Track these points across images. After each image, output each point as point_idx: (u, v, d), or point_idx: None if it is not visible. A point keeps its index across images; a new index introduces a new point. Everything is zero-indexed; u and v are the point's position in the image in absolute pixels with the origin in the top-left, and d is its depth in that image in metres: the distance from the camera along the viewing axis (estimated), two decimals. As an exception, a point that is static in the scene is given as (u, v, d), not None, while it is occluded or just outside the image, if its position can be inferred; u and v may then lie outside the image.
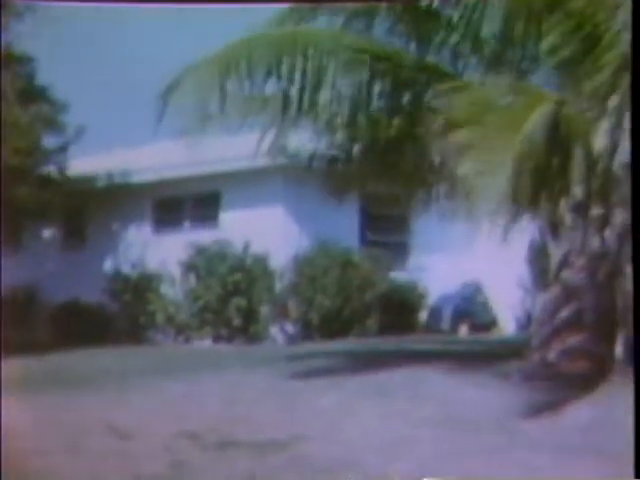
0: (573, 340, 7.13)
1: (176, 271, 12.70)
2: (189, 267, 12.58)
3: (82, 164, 13.20)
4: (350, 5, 7.79)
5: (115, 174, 13.65)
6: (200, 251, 12.49)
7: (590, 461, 5.12)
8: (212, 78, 7.57)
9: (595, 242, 7.28)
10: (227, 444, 5.71)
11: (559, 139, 6.78)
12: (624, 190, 7.44)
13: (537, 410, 6.29)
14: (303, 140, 8.34)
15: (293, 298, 12.39)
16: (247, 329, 12.30)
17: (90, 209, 14.05)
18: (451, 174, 7.35)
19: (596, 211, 7.35)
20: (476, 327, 13.43)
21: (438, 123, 7.13)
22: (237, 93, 7.66)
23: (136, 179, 13.60)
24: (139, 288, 12.98)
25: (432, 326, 13.27)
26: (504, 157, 6.35)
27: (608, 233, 7.34)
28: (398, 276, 13.01)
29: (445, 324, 13.43)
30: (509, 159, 6.33)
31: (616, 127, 7.27)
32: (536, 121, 6.51)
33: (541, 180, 6.85)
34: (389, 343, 10.50)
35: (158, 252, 12.88)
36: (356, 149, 8.16)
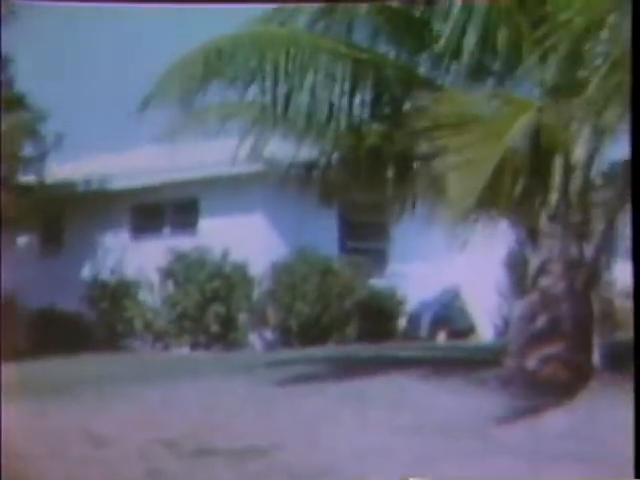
0: (550, 347, 7.16)
1: (154, 278, 12.65)
2: (168, 274, 12.54)
3: (61, 170, 13.14)
4: (331, 9, 7.80)
5: (94, 180, 13.60)
6: (179, 258, 12.46)
7: (567, 467, 5.15)
8: (191, 82, 7.55)
9: (573, 250, 7.32)
10: (205, 452, 5.69)
11: (540, 147, 6.82)
12: (602, 198, 7.51)
13: (514, 417, 6.31)
14: (283, 147, 8.34)
15: (272, 305, 12.38)
16: (226, 336, 12.27)
17: (68, 215, 13.98)
18: (431, 181, 7.38)
19: (574, 219, 7.39)
20: (454, 333, 13.47)
21: (420, 130, 7.15)
22: (214, 99, 7.66)
23: (115, 185, 13.55)
24: (117, 295, 12.92)
25: (411, 333, 13.29)
26: (486, 163, 6.37)
27: (585, 241, 7.39)
28: (377, 283, 13.03)
29: (423, 331, 13.46)
30: (490, 165, 6.36)
31: (595, 135, 7.32)
32: (519, 129, 6.54)
33: (521, 187, 6.89)
34: (368, 350, 10.50)
35: (136, 258, 12.83)
36: (335, 156, 8.17)
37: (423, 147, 7.05)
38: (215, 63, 7.52)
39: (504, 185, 6.61)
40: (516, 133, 6.54)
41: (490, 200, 6.73)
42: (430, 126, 6.88)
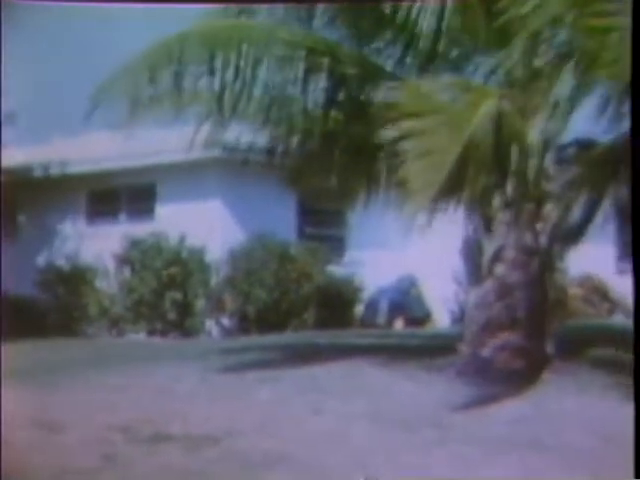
0: (504, 335, 7.23)
1: (111, 264, 12.56)
2: (124, 260, 12.46)
3: (16, 155, 12.96)
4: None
5: (50, 165, 13.45)
6: (135, 244, 12.37)
7: (521, 455, 5.20)
8: (145, 71, 7.50)
9: (527, 238, 7.39)
10: (160, 437, 5.67)
11: (498, 135, 6.85)
12: (556, 186, 7.58)
13: (470, 404, 6.36)
14: (241, 133, 8.31)
15: (229, 291, 12.35)
16: (182, 323, 12.23)
17: (23, 200, 13.81)
18: (389, 169, 7.39)
19: (529, 207, 7.45)
20: (411, 321, 13.56)
21: (379, 118, 7.15)
22: (170, 87, 7.60)
23: (71, 170, 13.41)
24: (73, 281, 12.81)
25: (368, 320, 13.35)
26: (448, 154, 6.37)
27: (540, 229, 7.46)
28: (335, 270, 13.06)
29: (381, 318, 13.53)
30: (452, 155, 6.36)
31: (549, 123, 7.38)
32: (480, 118, 6.55)
33: (477, 175, 6.91)
34: (325, 337, 10.52)
35: (92, 245, 12.73)
36: (292, 142, 8.16)
37: (382, 135, 7.05)
38: (163, 63, 7.48)
39: (467, 175, 6.63)
40: (478, 121, 6.55)
41: (453, 190, 6.74)
42: (389, 115, 6.88)
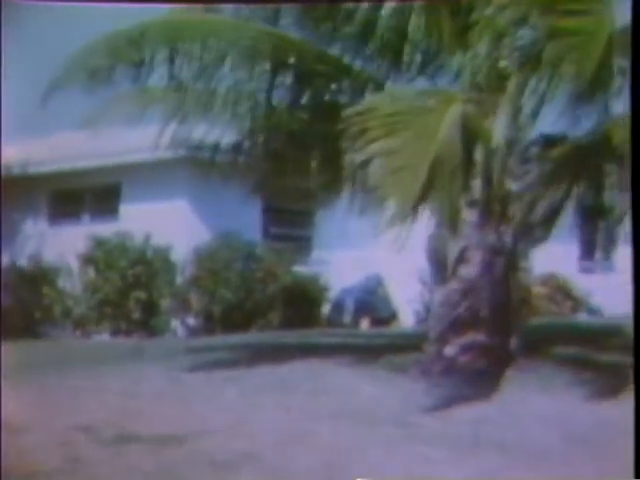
0: (469, 334, 7.27)
1: (74, 264, 12.46)
2: (88, 260, 12.36)
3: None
4: None
5: (12, 165, 13.30)
6: (99, 244, 12.29)
7: (485, 453, 5.23)
8: (103, 66, 7.42)
9: (492, 237, 7.44)
10: (125, 438, 5.64)
11: (465, 138, 6.88)
12: (521, 185, 7.64)
13: (434, 404, 6.39)
14: (207, 132, 8.28)
15: (195, 291, 12.31)
16: (147, 322, 12.17)
17: (-16, 200, 13.65)
18: (356, 170, 7.40)
19: (493, 206, 7.50)
20: (377, 320, 13.60)
21: (345, 120, 7.15)
22: (133, 83, 7.54)
23: (33, 170, 13.29)
24: (35, 281, 12.69)
25: (334, 319, 13.37)
26: (421, 162, 6.40)
27: (504, 229, 7.51)
28: (301, 269, 13.06)
29: (347, 317, 13.56)
30: (426, 164, 6.38)
31: (513, 123, 7.43)
32: (449, 123, 6.58)
33: (448, 180, 6.94)
34: (291, 336, 10.52)
35: (56, 245, 12.62)
36: (258, 142, 8.15)
37: (352, 159, 7.07)
38: (123, 52, 7.40)
39: (439, 182, 6.64)
40: (444, 132, 6.58)
41: (425, 198, 6.74)
42: (359, 119, 6.86)
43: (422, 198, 6.48)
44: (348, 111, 6.93)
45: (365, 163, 6.74)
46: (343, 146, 7.24)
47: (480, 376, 7.02)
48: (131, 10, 7.38)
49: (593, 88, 7.03)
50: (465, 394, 6.62)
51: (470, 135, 6.88)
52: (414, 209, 6.49)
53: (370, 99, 7.24)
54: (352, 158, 7.33)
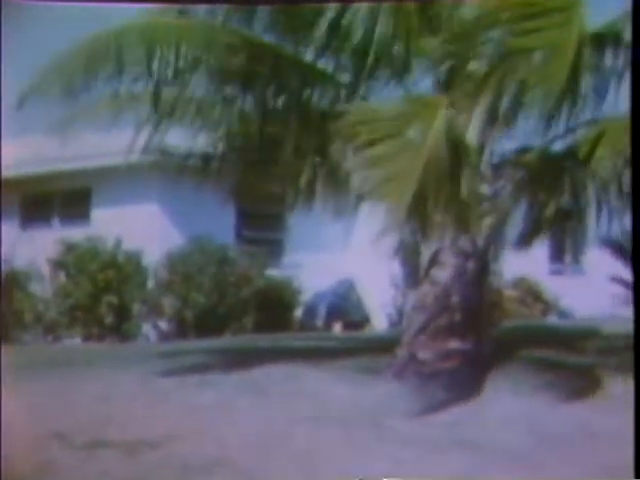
0: (441, 337, 7.31)
1: (45, 269, 12.38)
2: (58, 264, 12.29)
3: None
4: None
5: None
6: (70, 248, 12.22)
7: (458, 455, 5.26)
8: (78, 73, 7.39)
9: (463, 241, 7.48)
10: (97, 444, 5.61)
11: (451, 141, 6.90)
12: (492, 190, 7.69)
13: (407, 406, 6.42)
14: (179, 137, 8.26)
15: (167, 295, 12.27)
16: (119, 327, 12.11)
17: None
18: (330, 174, 7.41)
19: (465, 211, 7.53)
20: (349, 324, 13.62)
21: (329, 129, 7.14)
22: (105, 89, 7.52)
23: (3, 174, 13.17)
24: (5, 286, 12.58)
25: (306, 323, 13.38)
26: (411, 166, 6.40)
27: (476, 232, 7.55)
28: (274, 273, 13.06)
29: (319, 321, 13.58)
30: (416, 172, 6.38)
31: (485, 126, 7.47)
32: (435, 134, 6.58)
33: (438, 186, 6.94)
34: (264, 340, 10.51)
35: (26, 249, 12.51)
36: (231, 146, 8.14)
37: (344, 167, 7.06)
38: (100, 58, 7.37)
39: (430, 188, 6.65)
40: (434, 133, 6.57)
41: (417, 206, 6.73)
42: (344, 128, 6.86)
43: (415, 206, 6.47)
44: (332, 120, 6.94)
45: (352, 170, 6.72)
46: (315, 148, 7.24)
47: (452, 379, 7.06)
48: (129, 10, 7.38)
49: (562, 96, 7.09)
50: (438, 396, 6.66)
51: (455, 140, 6.90)
52: (407, 217, 6.48)
53: (352, 107, 7.24)
54: (331, 164, 7.33)
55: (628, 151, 6.94)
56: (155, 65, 7.39)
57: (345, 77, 7.86)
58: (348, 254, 12.80)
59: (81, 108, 7.61)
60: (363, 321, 13.92)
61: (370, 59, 7.59)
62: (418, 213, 6.66)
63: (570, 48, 6.56)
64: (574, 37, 6.56)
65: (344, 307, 13.77)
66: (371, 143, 6.54)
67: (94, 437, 5.72)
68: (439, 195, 6.65)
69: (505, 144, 7.82)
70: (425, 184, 6.41)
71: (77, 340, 12.13)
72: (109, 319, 12.06)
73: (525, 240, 7.94)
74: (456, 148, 6.86)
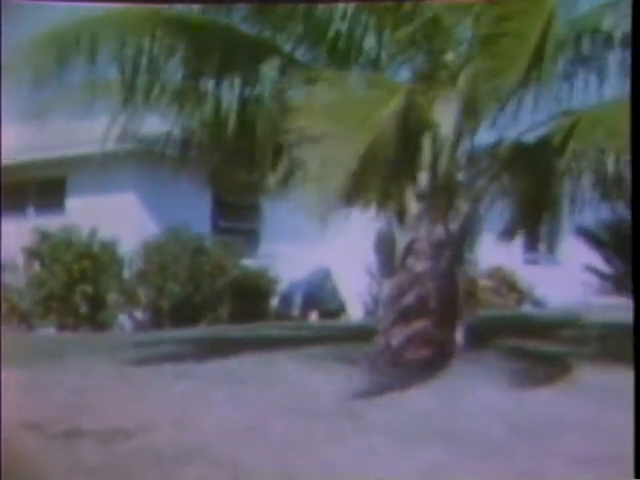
0: (416, 326, 7.34)
1: (20, 258, 12.30)
2: (33, 254, 12.20)
3: None
4: None
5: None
6: (45, 237, 12.14)
7: (432, 445, 5.29)
8: (49, 61, 7.33)
9: (438, 230, 7.51)
10: (72, 433, 5.59)
11: (410, 128, 6.90)
12: (467, 179, 7.73)
13: (382, 395, 6.44)
14: (156, 126, 8.22)
15: (142, 285, 12.23)
16: (94, 317, 12.06)
17: None
18: (298, 163, 7.39)
19: (440, 199, 7.58)
20: (325, 313, 13.65)
21: (285, 111, 7.12)
22: (81, 74, 7.46)
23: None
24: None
25: (282, 313, 13.39)
26: (353, 149, 6.36)
27: (451, 221, 7.60)
28: (250, 263, 13.05)
29: (295, 310, 13.59)
30: (358, 152, 6.34)
31: (460, 117, 7.49)
32: (388, 114, 6.57)
33: (390, 170, 6.97)
34: (240, 330, 10.51)
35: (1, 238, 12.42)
36: (207, 136, 8.12)
37: (290, 129, 7.00)
38: (72, 46, 7.31)
39: (373, 176, 6.64)
40: (387, 118, 6.56)
41: (359, 191, 6.72)
42: (297, 107, 6.81)
43: (352, 189, 6.39)
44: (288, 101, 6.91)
45: (301, 153, 6.65)
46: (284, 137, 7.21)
47: (427, 368, 7.09)
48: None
49: (524, 85, 7.11)
50: (413, 385, 6.69)
51: (414, 128, 6.90)
52: (342, 200, 6.41)
53: (309, 88, 7.21)
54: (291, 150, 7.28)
55: (601, 141, 7.00)
56: (128, 52, 7.34)
57: (322, 67, 7.85)
58: (324, 243, 12.81)
59: (54, 97, 7.55)
60: (339, 310, 13.95)
61: (345, 51, 7.60)
62: (362, 195, 6.61)
63: (534, 35, 6.56)
64: (539, 25, 6.55)
65: (320, 296, 13.78)
66: (318, 123, 6.48)
67: (69, 427, 5.69)
68: (393, 180, 6.64)
69: (481, 134, 7.86)
70: (368, 168, 6.37)
71: (52, 330, 12.07)
72: (84, 309, 12.01)
73: (509, 233, 8.00)
74: (418, 135, 6.85)
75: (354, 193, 6.65)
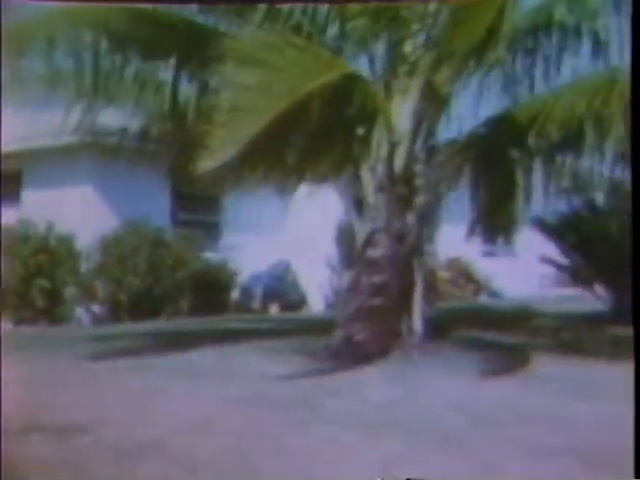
0: (376, 317, 7.37)
1: (-26, 252, 12.14)
2: (-12, 247, 12.05)
3: None
4: None
5: None
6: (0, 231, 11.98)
7: (392, 436, 5.31)
8: (5, 53, 7.22)
9: (397, 222, 7.54)
10: (29, 428, 5.53)
11: (354, 113, 6.85)
12: (426, 172, 7.76)
13: (342, 387, 6.46)
14: (113, 118, 8.15)
15: (100, 279, 12.13)
16: (51, 311, 11.94)
17: None
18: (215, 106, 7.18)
19: (399, 190, 7.60)
20: (286, 306, 13.65)
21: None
22: (34, 69, 7.36)
23: None
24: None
25: (243, 305, 13.37)
26: (271, 105, 6.14)
27: (410, 213, 7.62)
28: (210, 256, 13.00)
29: (256, 303, 13.58)
30: (276, 109, 6.10)
31: (419, 109, 7.51)
32: (319, 86, 6.42)
33: (330, 153, 6.91)
34: (200, 323, 10.47)
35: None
36: (166, 127, 8.07)
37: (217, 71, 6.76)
38: (29, 39, 7.22)
39: (295, 136, 6.50)
40: (316, 88, 6.40)
41: (262, 148, 6.46)
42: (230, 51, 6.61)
43: (253, 148, 6.13)
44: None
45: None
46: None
47: (386, 359, 7.12)
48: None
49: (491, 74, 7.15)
50: (372, 377, 6.71)
51: (364, 113, 6.84)
52: (240, 155, 6.13)
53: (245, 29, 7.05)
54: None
55: (557, 132, 7.06)
56: (85, 44, 7.27)
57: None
58: (284, 235, 12.81)
59: (9, 89, 7.45)
60: (300, 302, 13.96)
61: (306, 39, 7.57)
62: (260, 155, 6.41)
63: (488, 17, 6.59)
64: (494, 8, 6.58)
65: (280, 288, 13.78)
66: (243, 74, 6.30)
67: (26, 422, 5.63)
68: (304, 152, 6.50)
69: (439, 126, 7.89)
70: (278, 132, 6.21)
71: (8, 324, 11.93)
72: (41, 303, 11.89)
73: (470, 230, 8.05)
74: (365, 119, 6.79)
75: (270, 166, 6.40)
